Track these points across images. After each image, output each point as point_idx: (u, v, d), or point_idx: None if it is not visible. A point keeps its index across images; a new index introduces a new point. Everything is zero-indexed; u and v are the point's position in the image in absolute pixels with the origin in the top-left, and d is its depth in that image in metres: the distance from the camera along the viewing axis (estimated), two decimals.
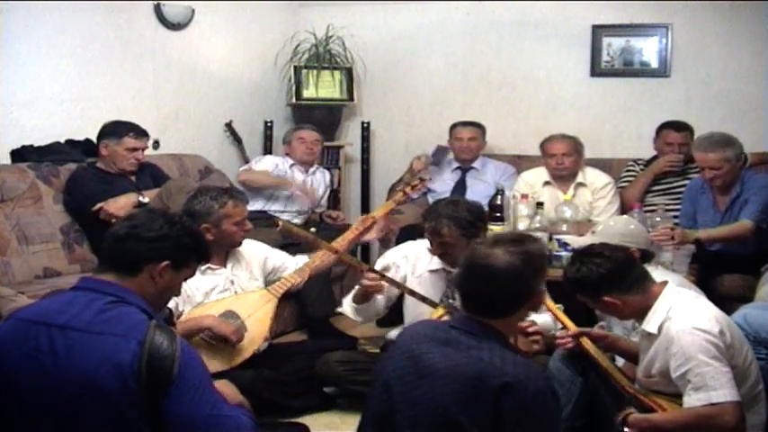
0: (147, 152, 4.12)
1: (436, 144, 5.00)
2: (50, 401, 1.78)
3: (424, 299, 3.18)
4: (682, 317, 2.36)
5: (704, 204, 4.01)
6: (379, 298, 3.29)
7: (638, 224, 3.30)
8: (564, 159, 4.43)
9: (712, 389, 2.23)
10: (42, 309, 1.92)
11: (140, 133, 4.00)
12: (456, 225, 3.09)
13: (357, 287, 3.26)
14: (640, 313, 2.47)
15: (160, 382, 1.75)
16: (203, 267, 3.12)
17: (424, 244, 3.33)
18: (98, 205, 3.75)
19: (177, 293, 2.09)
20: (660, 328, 2.40)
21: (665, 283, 2.50)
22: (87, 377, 1.75)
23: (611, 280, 2.43)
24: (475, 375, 1.86)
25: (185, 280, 2.07)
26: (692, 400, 2.26)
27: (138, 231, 1.95)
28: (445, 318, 2.89)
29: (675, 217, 4.09)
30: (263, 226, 4.27)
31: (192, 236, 2.05)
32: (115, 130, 3.95)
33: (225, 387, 2.00)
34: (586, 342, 2.61)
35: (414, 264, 3.34)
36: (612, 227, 3.16)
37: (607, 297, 2.44)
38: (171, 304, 2.91)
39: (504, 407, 1.82)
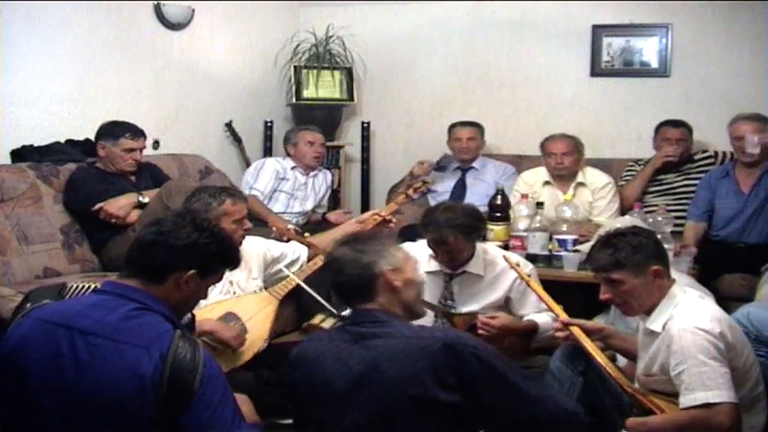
0: (146, 152, 4.11)
1: (443, 153, 5.01)
2: (66, 405, 1.76)
3: (423, 302, 3.17)
4: (684, 316, 2.36)
5: (724, 189, 4.07)
6: None
7: (642, 225, 3.29)
8: (564, 158, 4.43)
9: (709, 389, 2.23)
10: (64, 310, 1.88)
11: (137, 134, 3.96)
12: (460, 232, 3.09)
13: None
14: (644, 307, 2.46)
15: (180, 396, 1.73)
16: None
17: (421, 245, 3.32)
18: (98, 205, 3.75)
19: (204, 297, 2.05)
20: (664, 327, 2.40)
21: (673, 281, 2.50)
22: (107, 385, 1.73)
23: (633, 255, 2.41)
24: (411, 351, 1.96)
25: (212, 285, 2.04)
26: (687, 399, 2.26)
27: (166, 239, 1.89)
28: (325, 323, 3.17)
29: (677, 217, 4.09)
30: (262, 225, 4.28)
31: (221, 242, 1.98)
32: (112, 130, 3.93)
33: (243, 405, 1.97)
34: (579, 333, 2.59)
35: None
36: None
37: (616, 275, 2.42)
38: None
39: (455, 365, 1.95)
